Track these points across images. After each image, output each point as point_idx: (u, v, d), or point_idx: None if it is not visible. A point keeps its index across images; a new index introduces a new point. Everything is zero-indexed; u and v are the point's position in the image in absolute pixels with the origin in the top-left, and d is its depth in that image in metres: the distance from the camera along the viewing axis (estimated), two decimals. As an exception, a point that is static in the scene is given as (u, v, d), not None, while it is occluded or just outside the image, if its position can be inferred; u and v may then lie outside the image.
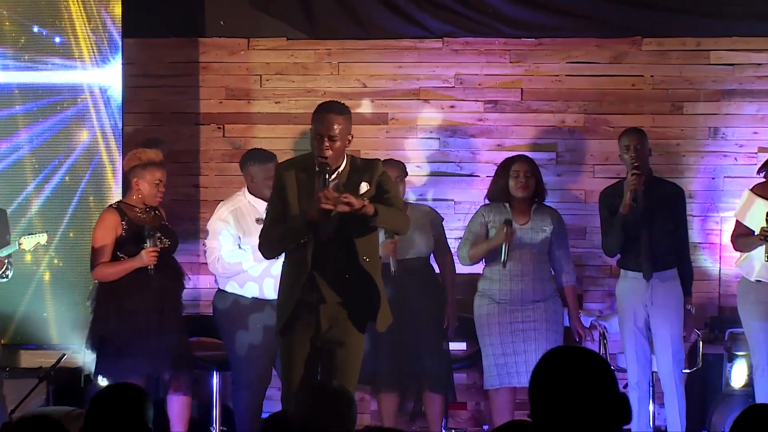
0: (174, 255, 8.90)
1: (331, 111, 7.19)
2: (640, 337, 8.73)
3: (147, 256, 8.61)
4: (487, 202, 9.14)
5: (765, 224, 8.35)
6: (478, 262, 9.02)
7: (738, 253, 8.82)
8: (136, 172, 8.77)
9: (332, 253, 7.16)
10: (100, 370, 8.71)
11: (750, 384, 8.96)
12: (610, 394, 3.51)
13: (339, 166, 7.17)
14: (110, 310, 8.83)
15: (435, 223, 9.20)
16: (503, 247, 8.70)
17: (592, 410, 3.52)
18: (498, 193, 8.94)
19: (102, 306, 8.89)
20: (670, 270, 8.70)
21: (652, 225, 8.71)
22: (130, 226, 8.65)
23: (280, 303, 7.35)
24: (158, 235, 8.69)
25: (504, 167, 8.94)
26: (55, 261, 9.66)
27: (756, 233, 8.41)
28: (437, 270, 9.34)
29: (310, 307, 7.15)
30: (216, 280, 9.22)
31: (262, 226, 7.69)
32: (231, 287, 8.94)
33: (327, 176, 7.06)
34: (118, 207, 8.79)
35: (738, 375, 9.10)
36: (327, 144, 7.06)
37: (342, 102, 7.48)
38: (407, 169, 9.31)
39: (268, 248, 7.47)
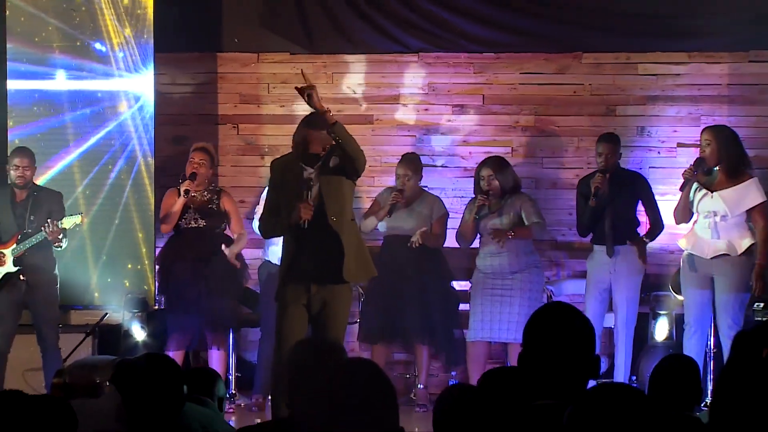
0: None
1: (308, 126, 7.23)
2: (599, 301, 8.84)
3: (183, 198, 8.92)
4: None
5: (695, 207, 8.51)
6: (470, 241, 9.14)
7: (684, 229, 8.81)
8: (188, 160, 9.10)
9: (311, 225, 7.12)
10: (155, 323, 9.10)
11: (670, 337, 9.12)
12: (589, 350, 3.57)
13: (318, 158, 7.17)
14: (164, 276, 9.27)
15: (436, 210, 9.28)
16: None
17: (572, 361, 3.54)
18: (476, 191, 9.03)
19: (160, 272, 9.35)
20: (632, 245, 8.84)
21: (614, 209, 8.81)
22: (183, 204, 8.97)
23: (280, 271, 7.43)
24: (195, 215, 8.99)
25: (477, 171, 9.05)
26: (99, 238, 9.65)
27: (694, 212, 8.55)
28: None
29: (301, 273, 7.17)
30: (264, 251, 9.39)
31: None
32: (270, 255, 9.09)
33: (309, 191, 7.13)
34: (178, 188, 8.99)
35: (660, 330, 9.17)
36: (313, 150, 7.15)
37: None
38: (418, 163, 9.41)
39: (264, 233, 7.74)
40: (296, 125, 9.07)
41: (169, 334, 8.99)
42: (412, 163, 9.33)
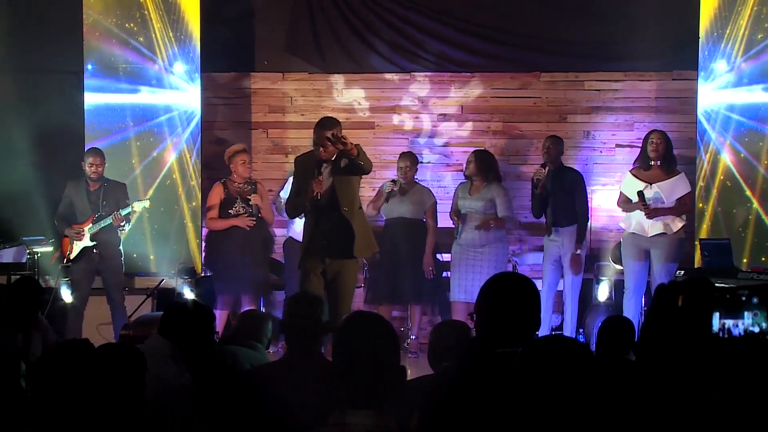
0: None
1: (330, 126, 7.16)
2: (553, 270, 8.85)
3: (240, 221, 8.85)
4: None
5: (637, 197, 8.46)
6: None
7: (624, 214, 8.75)
8: (231, 160, 8.96)
9: (326, 211, 7.16)
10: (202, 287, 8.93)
11: (610, 298, 9.09)
12: (533, 308, 3.54)
13: (331, 158, 7.15)
14: (210, 252, 9.18)
15: (427, 199, 9.19)
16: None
17: (519, 317, 3.51)
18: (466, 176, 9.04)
19: (207, 249, 9.28)
20: (571, 226, 8.78)
21: (555, 198, 8.78)
22: (228, 195, 8.93)
23: (301, 246, 7.41)
24: (242, 204, 8.90)
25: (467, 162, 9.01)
26: (155, 220, 9.67)
27: (633, 201, 8.52)
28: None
29: (318, 249, 7.21)
30: (288, 230, 9.36)
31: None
32: (293, 233, 9.06)
33: (320, 168, 7.15)
34: (224, 182, 9.00)
35: (602, 292, 9.17)
36: (321, 149, 7.11)
37: (333, 117, 7.50)
38: (414, 158, 9.34)
39: (289, 212, 7.63)
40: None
41: (217, 296, 8.93)
42: (411, 157, 9.32)
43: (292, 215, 7.74)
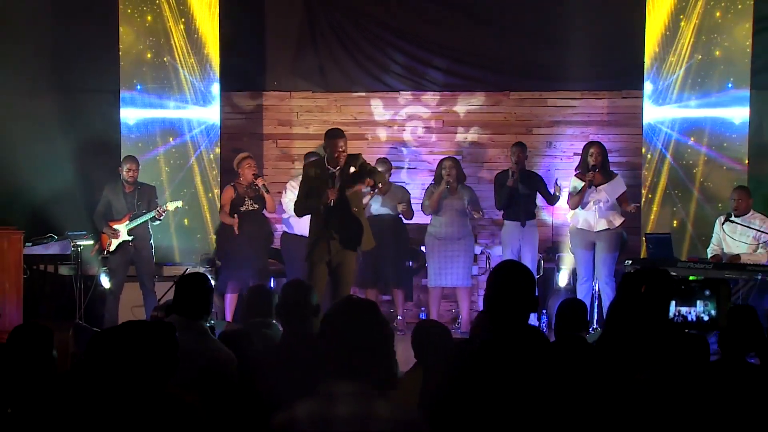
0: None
1: (341, 136, 7.21)
2: (513, 258, 8.70)
3: (235, 221, 8.73)
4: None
5: (578, 183, 8.56)
6: (434, 210, 8.92)
7: (572, 212, 8.80)
8: (238, 165, 8.90)
9: (337, 210, 7.18)
10: (219, 275, 8.88)
11: (570, 284, 9.10)
12: (531, 292, 3.47)
13: (341, 165, 7.19)
14: (220, 245, 9.11)
15: (401, 195, 9.12)
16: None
17: (518, 301, 3.44)
18: (437, 178, 8.98)
19: (218, 241, 9.20)
20: (532, 220, 8.89)
21: (523, 195, 8.82)
22: (238, 195, 8.83)
23: (309, 241, 7.40)
24: (250, 202, 8.79)
25: (439, 164, 9.01)
26: (180, 218, 9.63)
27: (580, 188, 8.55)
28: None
29: (325, 242, 7.22)
30: (285, 225, 9.17)
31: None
32: (293, 227, 8.89)
33: (334, 178, 7.17)
34: (234, 184, 8.91)
35: (562, 279, 9.20)
36: (337, 155, 7.13)
37: (340, 128, 7.52)
38: (390, 164, 9.32)
39: (298, 212, 7.51)
40: (317, 141, 9.08)
41: (228, 282, 8.87)
42: (387, 162, 9.29)
43: (301, 214, 7.63)
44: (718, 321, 2.92)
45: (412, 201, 9.29)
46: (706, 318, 2.92)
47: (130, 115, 9.77)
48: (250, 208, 8.88)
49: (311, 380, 2.96)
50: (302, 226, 8.27)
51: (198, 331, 4.43)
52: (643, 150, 9.42)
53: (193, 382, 3.94)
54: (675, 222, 9.30)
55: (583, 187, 8.60)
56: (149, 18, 9.69)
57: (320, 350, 2.91)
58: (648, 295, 3.13)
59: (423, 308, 9.73)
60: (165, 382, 3.33)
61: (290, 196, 8.70)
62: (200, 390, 3.88)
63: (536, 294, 3.50)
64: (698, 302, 2.96)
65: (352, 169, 7.17)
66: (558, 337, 4.84)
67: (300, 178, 7.96)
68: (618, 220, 8.69)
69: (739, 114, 9.16)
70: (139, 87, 9.75)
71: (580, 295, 8.52)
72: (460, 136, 10.25)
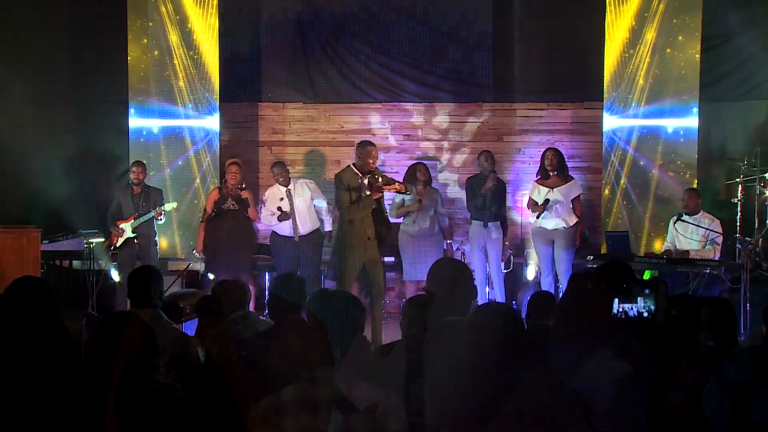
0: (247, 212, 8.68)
1: (374, 145, 7.52)
2: (481, 255, 8.81)
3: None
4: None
5: (540, 201, 8.51)
6: (398, 218, 8.87)
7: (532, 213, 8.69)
8: (225, 170, 8.79)
9: (369, 215, 7.35)
10: (208, 270, 8.69)
11: (537, 277, 9.00)
12: (468, 281, 3.65)
13: (372, 172, 7.41)
14: (208, 241, 8.78)
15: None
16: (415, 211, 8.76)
17: (457, 289, 3.60)
18: (411, 181, 8.81)
19: (206, 239, 8.82)
20: (496, 221, 8.80)
21: (489, 199, 8.73)
22: (221, 196, 8.68)
23: (346, 237, 7.40)
24: (232, 202, 8.62)
25: (411, 170, 8.95)
26: (182, 218, 9.64)
27: (539, 203, 8.55)
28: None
29: (360, 243, 7.32)
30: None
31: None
32: (278, 229, 8.80)
33: (372, 180, 7.36)
34: (219, 187, 8.84)
35: (530, 273, 9.20)
36: (372, 161, 7.39)
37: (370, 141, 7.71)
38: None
39: (392, 215, 7.91)
40: (307, 147, 9.05)
41: (217, 276, 8.41)
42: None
43: (397, 216, 8.05)
44: (656, 316, 2.96)
45: (386, 203, 9.19)
46: (645, 314, 2.97)
47: (136, 124, 9.75)
48: (231, 208, 8.70)
49: (298, 369, 2.98)
50: (286, 229, 8.45)
51: (150, 316, 4.34)
52: (603, 156, 9.46)
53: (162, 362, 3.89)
54: (632, 221, 9.32)
55: (541, 205, 8.59)
56: (154, 37, 9.70)
57: (306, 339, 2.96)
58: (593, 292, 3.08)
59: (404, 299, 9.56)
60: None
61: (267, 212, 8.76)
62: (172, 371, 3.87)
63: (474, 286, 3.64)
64: (639, 299, 3.01)
65: (380, 179, 7.34)
66: (528, 325, 4.82)
67: (274, 189, 8.52)
68: (572, 220, 8.62)
69: (689, 123, 9.23)
70: (144, 98, 9.72)
71: (544, 287, 8.54)
72: (437, 143, 10.23)
